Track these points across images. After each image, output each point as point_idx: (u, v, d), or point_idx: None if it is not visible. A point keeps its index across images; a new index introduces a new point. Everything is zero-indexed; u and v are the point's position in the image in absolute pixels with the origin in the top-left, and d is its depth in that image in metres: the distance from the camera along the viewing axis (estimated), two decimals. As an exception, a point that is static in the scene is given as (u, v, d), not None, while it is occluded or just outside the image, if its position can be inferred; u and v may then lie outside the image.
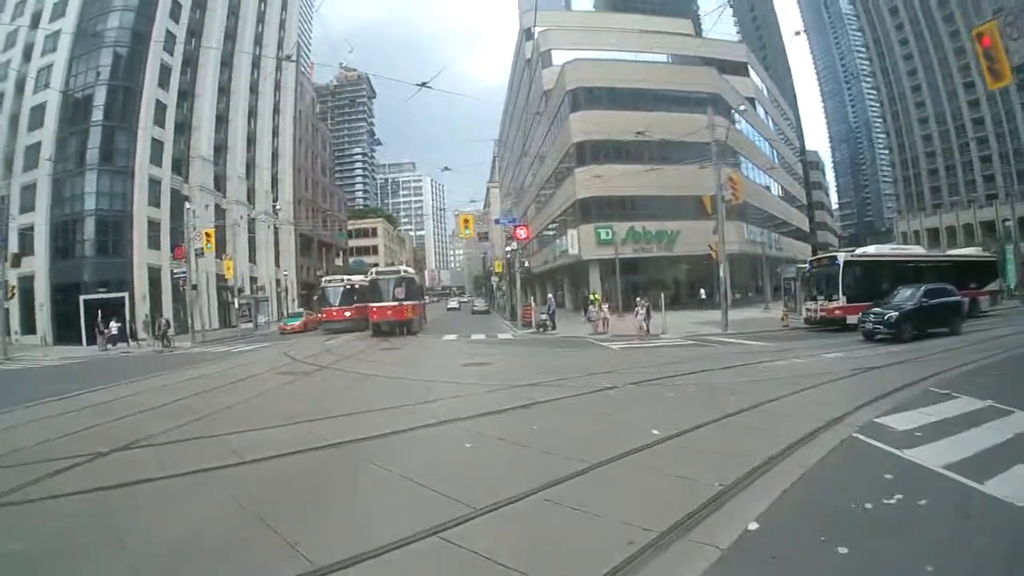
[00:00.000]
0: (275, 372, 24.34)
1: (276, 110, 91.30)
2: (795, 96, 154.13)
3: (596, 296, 43.79)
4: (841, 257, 33.51)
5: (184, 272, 49.76)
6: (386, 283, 43.37)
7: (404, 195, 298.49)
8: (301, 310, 60.77)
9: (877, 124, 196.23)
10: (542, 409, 13.83)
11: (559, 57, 70.05)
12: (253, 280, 79.86)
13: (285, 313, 71.44)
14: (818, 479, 8.14)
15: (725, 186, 36.81)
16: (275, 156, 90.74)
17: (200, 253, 49.97)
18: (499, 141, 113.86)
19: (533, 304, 45.12)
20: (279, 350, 35.25)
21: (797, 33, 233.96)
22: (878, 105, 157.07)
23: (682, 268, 62.71)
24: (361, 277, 49.55)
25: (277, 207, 78.12)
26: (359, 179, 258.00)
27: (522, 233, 45.75)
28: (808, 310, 34.57)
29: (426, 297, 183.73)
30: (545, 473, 8.54)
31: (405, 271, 46.27)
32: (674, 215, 57.66)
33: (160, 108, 62.92)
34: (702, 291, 57.50)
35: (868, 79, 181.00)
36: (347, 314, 48.87)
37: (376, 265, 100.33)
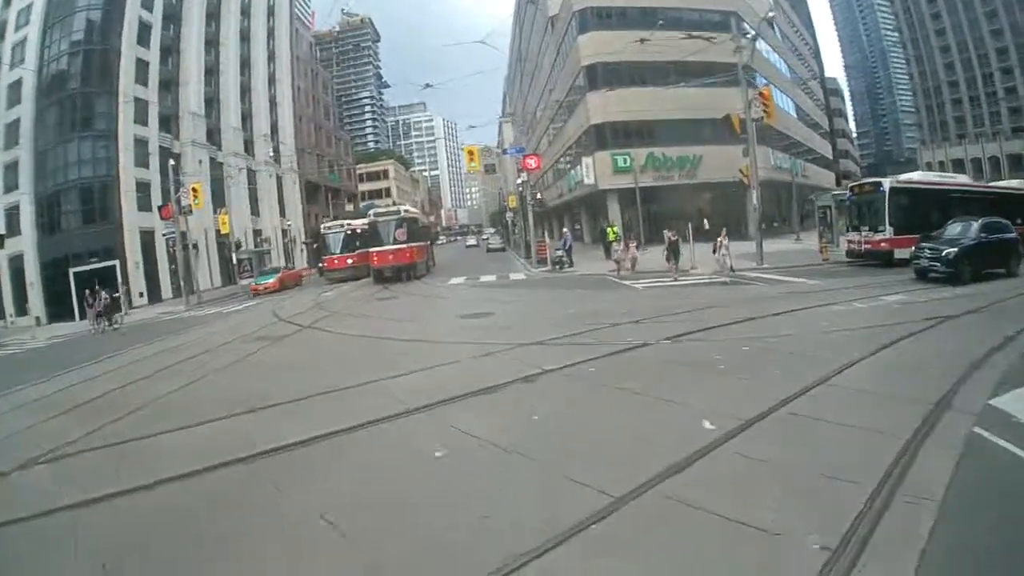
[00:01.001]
0: (245, 339, 20.97)
1: (271, 58, 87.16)
2: (811, 21, 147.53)
3: (614, 229, 40.07)
4: (887, 183, 29.23)
5: (173, 232, 47.24)
6: (386, 225, 40.01)
7: (416, 136, 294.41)
8: (278, 266, 55.56)
9: (894, 53, 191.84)
10: (550, 383, 10.63)
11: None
12: (257, 233, 76.71)
13: (284, 264, 67.38)
14: (966, 530, 5.04)
15: (755, 103, 32.63)
16: (273, 104, 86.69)
17: (188, 210, 46.74)
18: (508, 78, 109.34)
19: (548, 240, 41.48)
20: (269, 307, 32.06)
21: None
22: (896, 33, 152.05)
23: (705, 197, 58.66)
24: (363, 221, 45.69)
25: (270, 154, 74.05)
26: (369, 123, 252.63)
27: (532, 163, 42.30)
28: (850, 242, 30.49)
29: (441, 237, 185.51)
30: (545, 515, 5.71)
31: (406, 211, 42.40)
32: (695, 140, 54.14)
33: (142, 66, 59.57)
34: (708, 226, 53.51)
35: (885, 6, 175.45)
36: (349, 261, 45.37)
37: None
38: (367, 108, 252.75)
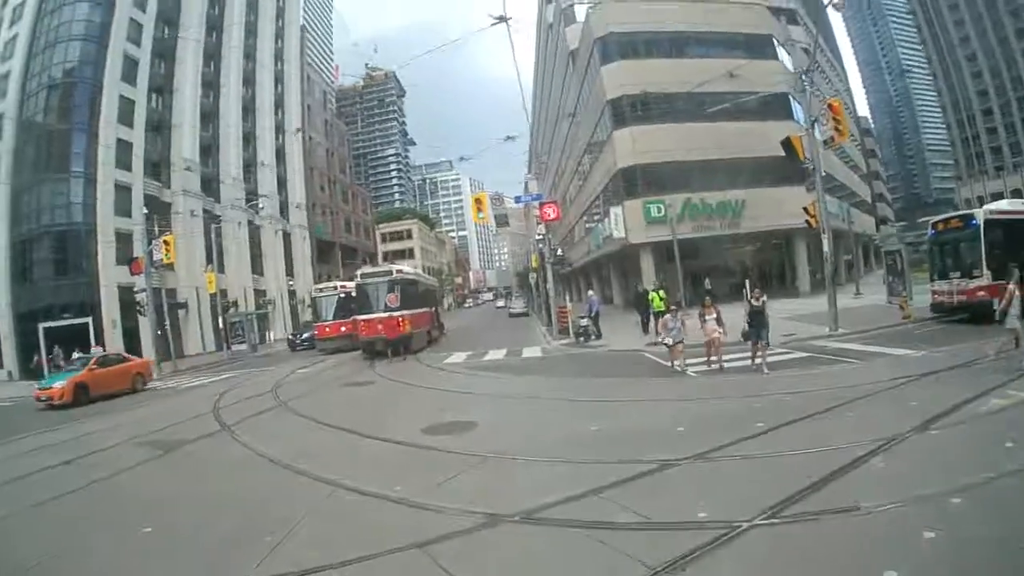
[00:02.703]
0: (138, 442, 14.97)
1: (278, 105, 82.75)
2: (839, 54, 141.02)
3: (660, 295, 30.40)
4: (980, 215, 23.24)
5: (144, 289, 42.10)
6: (373, 289, 33.90)
7: (443, 195, 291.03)
8: (97, 353, 35.89)
9: (918, 92, 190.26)
10: None
11: (582, 12, 59.56)
12: (261, 293, 71.77)
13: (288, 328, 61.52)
14: None
15: (821, 120, 25.98)
16: (281, 155, 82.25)
17: (158, 265, 42.50)
18: (532, 131, 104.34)
19: (569, 305, 34.74)
20: (218, 389, 26.16)
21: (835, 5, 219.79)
22: (920, 71, 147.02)
23: (747, 249, 53.12)
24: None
25: (261, 207, 68.10)
26: (395, 181, 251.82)
27: (550, 212, 35.66)
28: (937, 293, 24.18)
29: (468, 300, 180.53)
30: None
31: (400, 271, 35.93)
32: (736, 183, 47.21)
33: (127, 105, 55.40)
34: (741, 282, 47.08)
35: (907, 43, 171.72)
36: (343, 329, 39.05)
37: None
38: (392, 165, 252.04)
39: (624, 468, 9.11)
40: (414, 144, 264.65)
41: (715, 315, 18.19)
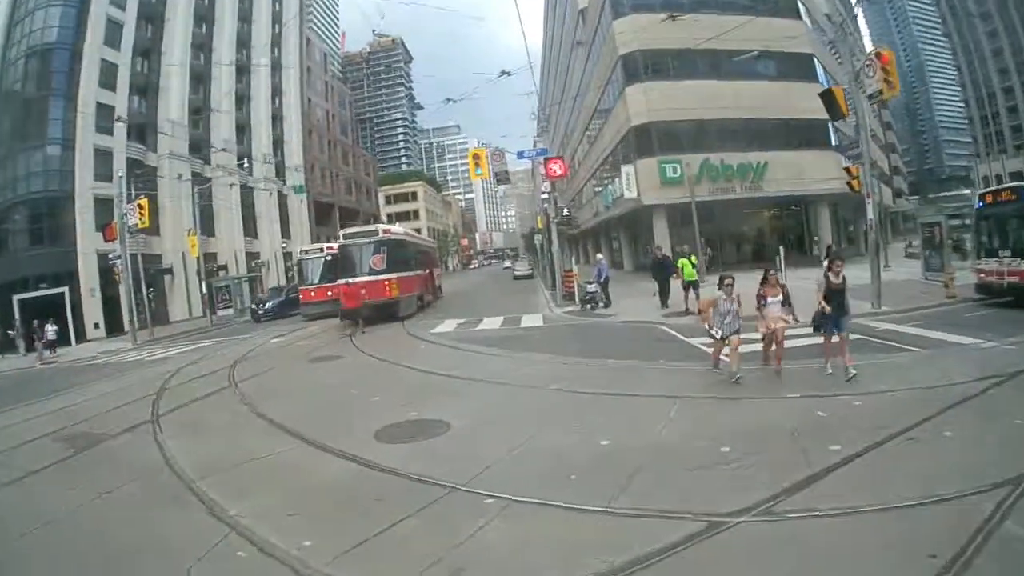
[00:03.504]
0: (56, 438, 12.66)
1: (275, 67, 78.84)
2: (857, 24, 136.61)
3: (693, 260, 24.58)
4: None
5: (119, 255, 38.71)
6: (357, 251, 30.85)
7: (451, 159, 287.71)
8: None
9: (932, 68, 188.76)
10: None
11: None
12: (254, 256, 68.68)
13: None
14: None
15: (868, 71, 22.15)
16: (278, 118, 78.69)
17: (132, 230, 39.10)
18: (540, 96, 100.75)
19: (575, 270, 31.40)
20: (181, 363, 23.76)
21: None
22: (935, 48, 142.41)
23: (764, 215, 50.01)
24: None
25: (244, 166, 64.31)
26: (401, 145, 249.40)
27: (556, 168, 32.14)
28: (983, 273, 20.56)
29: (474, 261, 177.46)
30: None
31: (387, 231, 32.70)
32: (758, 144, 43.94)
33: (110, 69, 52.12)
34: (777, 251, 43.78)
35: (924, 19, 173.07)
36: (329, 293, 35.16)
37: (418, 232, 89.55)
38: (399, 130, 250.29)
39: (648, 528, 5.95)
40: (421, 108, 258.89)
41: (780, 296, 12.49)
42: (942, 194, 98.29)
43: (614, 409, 10.89)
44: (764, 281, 12.62)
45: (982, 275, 20.39)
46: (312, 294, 37.09)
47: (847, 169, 26.49)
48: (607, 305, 27.29)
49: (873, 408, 9.40)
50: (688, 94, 42.79)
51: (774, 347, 12.63)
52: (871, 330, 16.75)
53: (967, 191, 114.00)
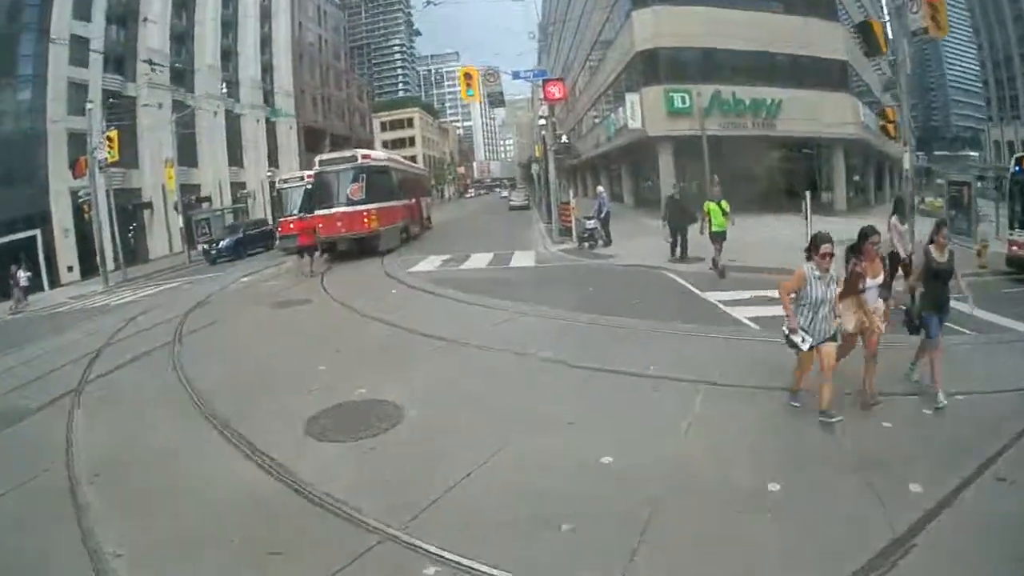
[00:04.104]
0: None
1: (264, -11, 75.28)
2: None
3: (723, 207, 18.49)
4: None
5: (89, 193, 36.74)
6: (333, 178, 28.06)
7: (449, 86, 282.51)
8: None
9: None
10: None
11: None
12: (240, 186, 65.73)
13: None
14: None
15: (912, 6, 19.27)
16: (268, 42, 75.29)
17: (103, 165, 36.78)
18: (541, 25, 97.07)
19: (573, 201, 28.75)
20: (141, 308, 22.02)
21: None
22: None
23: (774, 155, 45.40)
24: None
25: (224, 90, 60.65)
26: (399, 71, 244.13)
27: (555, 91, 29.33)
28: (1017, 245, 18.23)
29: (470, 190, 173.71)
30: None
31: (366, 156, 29.52)
32: (773, 80, 40.91)
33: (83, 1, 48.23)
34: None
35: None
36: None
37: (414, 160, 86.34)
38: (397, 57, 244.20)
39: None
40: (419, 35, 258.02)
41: (881, 275, 8.00)
42: (947, 153, 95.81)
43: (618, 396, 8.42)
44: (858, 249, 7.80)
45: (1014, 247, 17.91)
46: (292, 226, 34.07)
47: (882, 111, 23.84)
48: (607, 244, 24.85)
49: (951, 421, 7.14)
50: (700, 20, 39.55)
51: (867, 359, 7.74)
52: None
53: (973, 153, 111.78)
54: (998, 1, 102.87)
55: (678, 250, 20.44)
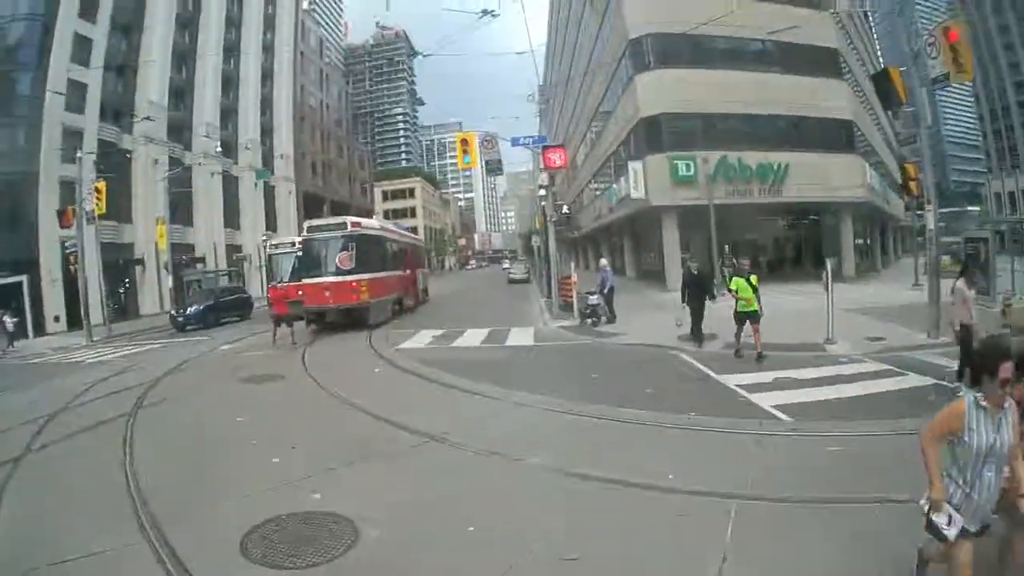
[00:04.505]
0: None
1: (266, 49, 75.29)
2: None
3: (753, 283, 16.11)
4: None
5: (75, 246, 35.78)
6: (321, 245, 26.79)
7: (451, 156, 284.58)
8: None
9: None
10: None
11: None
12: (236, 248, 64.91)
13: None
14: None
15: (930, 51, 18.02)
16: (268, 104, 75.35)
17: (91, 217, 35.63)
18: (542, 88, 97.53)
19: (574, 275, 27.13)
20: (109, 371, 20.59)
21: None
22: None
23: (779, 223, 45.50)
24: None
25: (219, 150, 58.80)
26: (402, 140, 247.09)
27: (556, 158, 28.18)
28: None
29: (471, 261, 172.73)
30: None
31: (357, 224, 28.01)
32: (779, 144, 39.46)
33: (82, 44, 47.53)
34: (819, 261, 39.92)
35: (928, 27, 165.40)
36: (301, 293, 30.94)
37: (415, 231, 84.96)
38: (400, 125, 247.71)
39: None
40: (423, 104, 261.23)
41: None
42: (950, 210, 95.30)
43: (630, 518, 6.64)
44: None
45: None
46: (279, 292, 32.67)
47: (903, 166, 22.91)
48: (611, 320, 23.22)
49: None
50: (703, 83, 38.34)
51: None
52: (940, 371, 12.64)
53: (974, 208, 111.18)
54: (995, 54, 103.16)
55: (692, 330, 18.34)
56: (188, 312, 36.29)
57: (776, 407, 10.73)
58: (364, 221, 29.21)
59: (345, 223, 27.27)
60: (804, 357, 14.78)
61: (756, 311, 15.53)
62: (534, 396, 12.52)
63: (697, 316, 18.20)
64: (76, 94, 46.10)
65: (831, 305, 16.63)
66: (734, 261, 31.39)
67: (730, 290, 16.32)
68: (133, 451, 10.26)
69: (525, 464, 8.58)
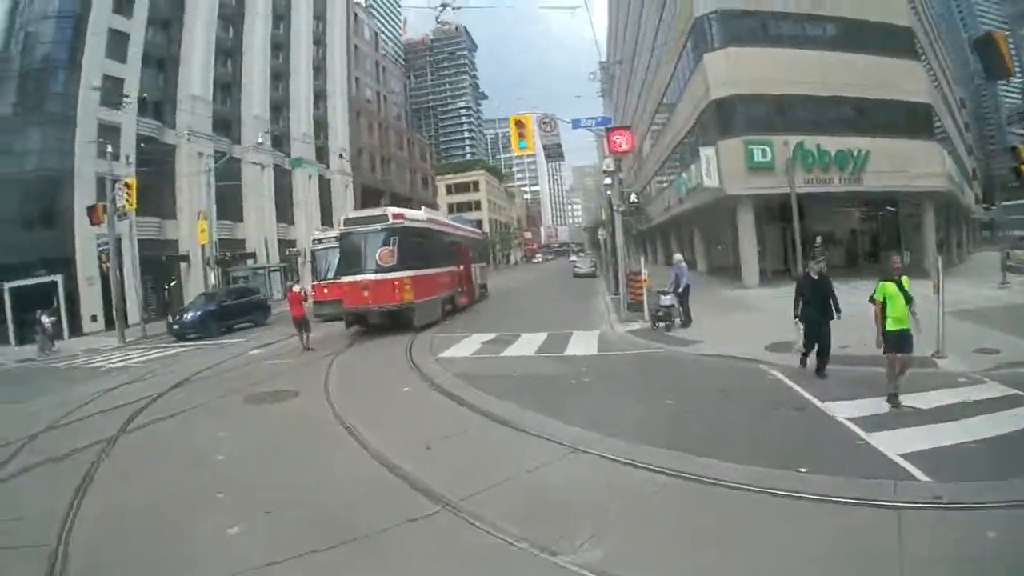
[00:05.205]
0: None
1: (317, 42, 74.08)
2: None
3: (905, 286, 10.87)
4: None
5: (106, 242, 34.77)
6: (360, 240, 24.24)
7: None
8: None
9: None
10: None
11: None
12: (289, 244, 63.41)
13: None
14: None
15: None
16: (321, 97, 74.00)
17: (122, 214, 34.66)
18: (604, 65, 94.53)
19: (645, 271, 24.10)
20: (121, 379, 19.44)
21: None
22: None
23: (855, 213, 42.68)
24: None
25: (262, 142, 56.85)
26: (466, 134, 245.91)
27: (622, 141, 25.12)
28: None
29: (538, 255, 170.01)
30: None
31: (400, 216, 25.11)
32: (859, 129, 36.07)
33: (118, 39, 46.42)
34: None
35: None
36: (328, 291, 28.62)
37: (479, 224, 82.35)
38: (463, 119, 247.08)
39: None
40: (486, 98, 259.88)
41: None
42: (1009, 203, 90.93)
43: None
44: None
45: None
46: (325, 291, 29.80)
47: (1016, 148, 19.92)
48: (686, 324, 20.34)
49: None
50: (775, 63, 35.45)
51: None
52: None
53: None
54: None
55: (810, 356, 13.17)
56: (185, 319, 32.51)
57: (904, 457, 7.96)
58: (408, 212, 26.54)
59: (386, 215, 24.64)
60: (914, 375, 11.57)
61: (902, 330, 10.58)
62: (590, 435, 9.65)
63: (816, 337, 12.91)
64: (114, 90, 44.80)
65: (942, 310, 13.68)
66: (825, 252, 28.21)
67: (873, 299, 11.08)
68: (83, 501, 8.36)
69: (569, 560, 5.85)
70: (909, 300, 10.68)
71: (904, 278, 10.89)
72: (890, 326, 10.60)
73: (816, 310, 12.74)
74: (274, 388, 15.17)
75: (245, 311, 35.18)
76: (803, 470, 7.66)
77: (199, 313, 32.57)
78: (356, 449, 9.80)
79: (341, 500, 7.79)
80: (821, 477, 7.44)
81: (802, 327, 13.07)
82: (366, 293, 23.02)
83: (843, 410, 10.18)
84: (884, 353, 10.68)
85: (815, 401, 10.91)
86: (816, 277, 13.03)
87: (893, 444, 8.41)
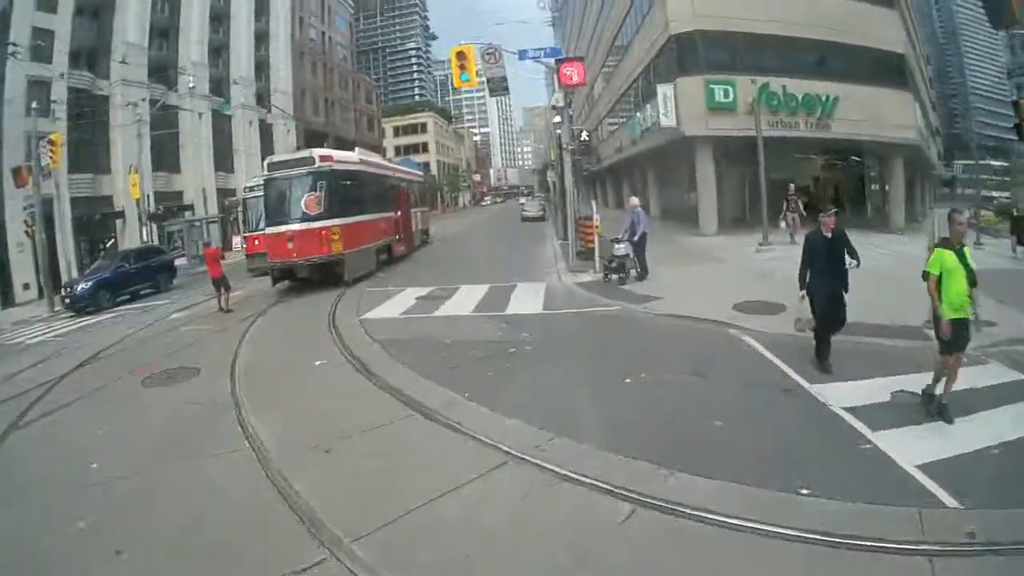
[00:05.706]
0: None
1: (257, -19, 70.52)
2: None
3: (967, 256, 8.12)
4: None
5: (32, 205, 31.94)
6: (284, 185, 22.01)
7: (466, 91, 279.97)
8: None
9: (965, 30, 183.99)
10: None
11: None
12: (228, 193, 59.26)
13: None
14: None
15: None
16: (263, 38, 70.48)
17: (46, 173, 32.29)
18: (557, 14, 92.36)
19: (596, 216, 22.10)
20: (30, 358, 17.12)
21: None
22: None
23: (817, 161, 40.80)
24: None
25: (190, 83, 54.61)
26: (415, 75, 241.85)
27: (572, 73, 23.17)
28: None
29: (486, 198, 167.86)
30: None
31: (327, 158, 22.72)
32: (828, 73, 34.69)
33: None
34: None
35: None
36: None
37: (427, 167, 79.72)
38: (412, 61, 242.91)
39: None
40: (435, 38, 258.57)
41: None
42: (966, 162, 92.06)
43: None
44: None
45: None
46: (258, 243, 27.80)
47: (1017, 102, 18.82)
48: (641, 276, 18.61)
49: None
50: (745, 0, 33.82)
51: None
52: None
53: (997, 163, 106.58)
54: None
55: (818, 348, 10.17)
56: (76, 291, 27.59)
57: (922, 469, 6.37)
58: (337, 153, 24.18)
59: (312, 157, 22.30)
60: (907, 350, 10.03)
61: (968, 322, 7.92)
62: (531, 429, 7.86)
63: (835, 314, 9.92)
64: (43, 40, 42.42)
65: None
66: (800, 200, 26.88)
67: (927, 274, 8.14)
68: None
69: None
70: (973, 279, 7.95)
71: (967, 248, 8.14)
72: (947, 314, 7.85)
73: (835, 278, 9.82)
74: (180, 364, 13.25)
75: (146, 276, 30.84)
76: (804, 492, 5.99)
77: (91, 284, 27.91)
78: (245, 456, 7.96)
79: (213, 537, 6.05)
80: (825, 503, 5.78)
81: (807, 299, 9.96)
82: (291, 245, 20.97)
83: (838, 395, 8.55)
84: (940, 354, 7.98)
85: (801, 381, 9.26)
86: (829, 235, 9.97)
87: (905, 449, 6.86)
